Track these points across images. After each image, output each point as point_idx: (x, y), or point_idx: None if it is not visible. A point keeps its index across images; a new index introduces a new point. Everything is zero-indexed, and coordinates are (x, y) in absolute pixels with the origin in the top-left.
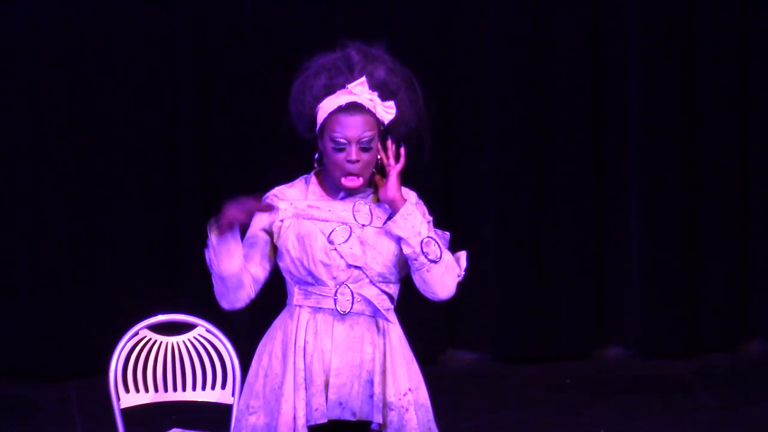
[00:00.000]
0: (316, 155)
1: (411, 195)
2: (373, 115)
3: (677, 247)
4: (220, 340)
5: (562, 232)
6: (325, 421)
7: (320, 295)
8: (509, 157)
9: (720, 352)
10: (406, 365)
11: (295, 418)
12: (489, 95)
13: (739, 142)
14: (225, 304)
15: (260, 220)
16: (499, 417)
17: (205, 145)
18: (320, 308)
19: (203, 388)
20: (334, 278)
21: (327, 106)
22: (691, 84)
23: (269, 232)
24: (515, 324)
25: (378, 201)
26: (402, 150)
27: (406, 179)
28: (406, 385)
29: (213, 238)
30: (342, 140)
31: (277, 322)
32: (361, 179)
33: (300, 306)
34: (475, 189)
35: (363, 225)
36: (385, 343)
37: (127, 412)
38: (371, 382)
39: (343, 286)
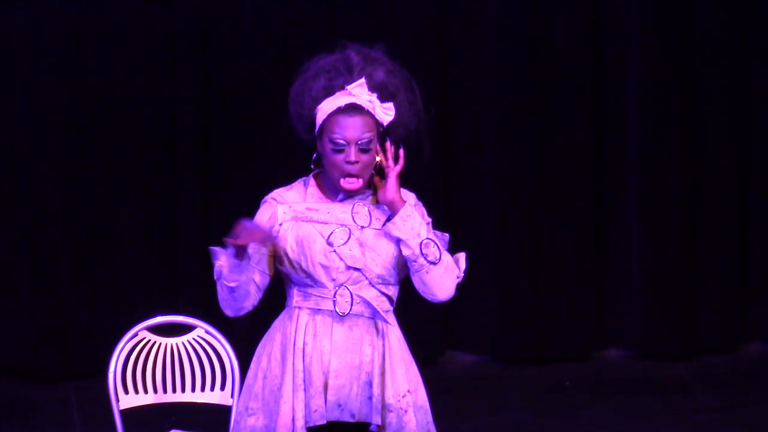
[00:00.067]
0: (314, 156)
1: (410, 196)
2: (372, 116)
3: (677, 248)
4: (220, 342)
5: (561, 233)
6: (324, 422)
7: (319, 296)
8: (509, 157)
9: (719, 353)
10: (405, 367)
11: (294, 419)
12: (489, 95)
13: (739, 142)
14: (229, 312)
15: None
16: (498, 418)
17: (205, 145)
18: (319, 310)
19: (202, 389)
20: (333, 280)
21: (326, 107)
22: (691, 84)
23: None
24: (514, 325)
25: (377, 203)
26: (401, 151)
27: (405, 181)
28: (405, 387)
29: (228, 257)
30: (341, 141)
31: (276, 324)
32: (360, 181)
33: (299, 307)
34: (475, 189)
35: (362, 227)
36: (384, 345)
37: (126, 413)
38: (370, 384)
39: (342, 287)
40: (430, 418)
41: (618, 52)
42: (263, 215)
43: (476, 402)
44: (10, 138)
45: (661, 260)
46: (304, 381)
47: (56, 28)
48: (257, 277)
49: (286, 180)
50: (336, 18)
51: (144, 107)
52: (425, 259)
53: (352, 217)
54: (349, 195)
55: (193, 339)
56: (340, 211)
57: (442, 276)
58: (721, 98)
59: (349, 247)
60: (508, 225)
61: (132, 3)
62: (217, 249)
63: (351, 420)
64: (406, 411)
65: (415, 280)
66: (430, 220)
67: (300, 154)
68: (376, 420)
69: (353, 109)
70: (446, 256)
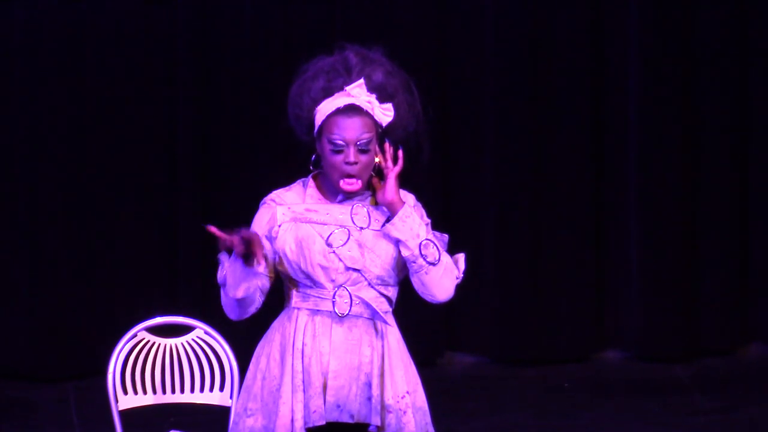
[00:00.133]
0: (313, 157)
1: (409, 197)
2: (371, 117)
3: (676, 249)
4: (219, 342)
5: (561, 233)
6: (323, 423)
7: (318, 297)
8: (509, 157)
9: (719, 355)
10: (404, 368)
11: (292, 420)
12: (489, 95)
13: (739, 142)
14: (233, 316)
15: (260, 228)
16: (497, 420)
17: (205, 145)
18: (318, 310)
19: (201, 390)
20: (333, 281)
21: (325, 108)
22: (691, 84)
23: (270, 239)
24: (514, 327)
25: (376, 204)
26: (400, 152)
27: (404, 181)
28: (404, 388)
29: (233, 265)
30: (340, 142)
31: (276, 325)
32: (359, 182)
33: (298, 308)
34: (475, 189)
35: (361, 228)
36: (383, 346)
37: (125, 414)
38: (369, 385)
39: (342, 288)
40: (429, 419)
41: (618, 52)
42: (262, 217)
43: (475, 403)
44: (10, 138)
45: (660, 261)
46: (303, 382)
47: (56, 28)
48: (260, 280)
49: (286, 180)
50: (336, 18)
51: (144, 107)
52: (424, 260)
53: (351, 218)
54: (348, 196)
55: (193, 340)
56: (339, 212)
57: (442, 277)
58: (721, 98)
59: (348, 248)
60: (508, 225)
61: (132, 3)
62: (224, 257)
63: (350, 421)
64: (405, 412)
65: (415, 281)
66: (429, 221)
67: (300, 155)
68: (375, 421)
69: (352, 109)
70: (445, 257)
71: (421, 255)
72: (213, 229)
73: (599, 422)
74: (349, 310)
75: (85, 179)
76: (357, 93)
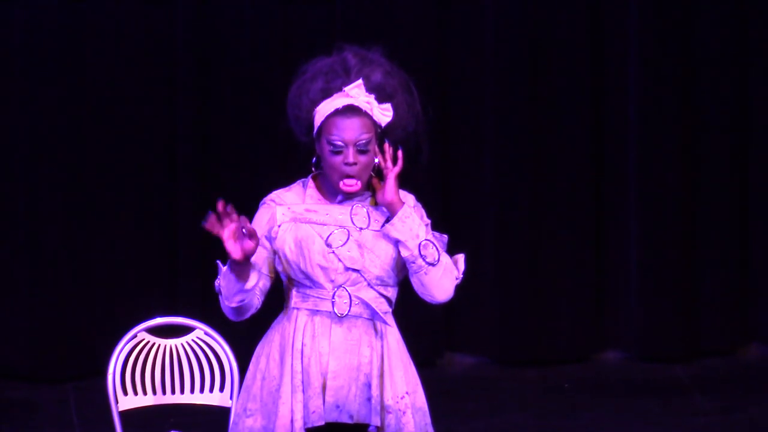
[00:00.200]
0: (314, 159)
1: (409, 198)
2: (370, 117)
3: (676, 249)
4: (219, 343)
5: (561, 233)
6: (323, 423)
7: (318, 297)
8: (509, 157)
9: (719, 356)
10: (403, 368)
11: (292, 420)
12: (489, 95)
13: (739, 142)
14: (233, 317)
15: (260, 228)
16: (497, 420)
17: (205, 145)
18: (318, 311)
19: (201, 390)
20: (332, 281)
21: (324, 109)
22: (691, 84)
23: (269, 239)
24: (514, 327)
25: (376, 204)
26: (399, 153)
27: (404, 182)
28: (404, 389)
29: (227, 276)
30: (339, 143)
31: (275, 325)
32: (358, 183)
33: (297, 308)
34: (475, 189)
35: (361, 228)
36: (382, 346)
37: (125, 415)
38: (369, 385)
39: (341, 288)
40: (428, 419)
41: (618, 52)
42: (262, 217)
43: (475, 404)
44: (10, 138)
45: (660, 261)
46: (302, 382)
47: (56, 28)
48: (260, 282)
49: (286, 180)
50: (336, 18)
51: (144, 107)
52: (424, 260)
53: (351, 219)
54: (348, 197)
55: (192, 340)
56: (339, 212)
57: (441, 277)
58: (721, 98)
59: (348, 248)
60: (508, 225)
61: (132, 3)
62: (220, 264)
63: (349, 421)
64: (404, 412)
65: (414, 281)
66: (429, 221)
67: (299, 155)
68: (375, 421)
69: (351, 110)
70: (445, 258)
71: (421, 255)
72: (221, 206)
73: (599, 423)
74: (349, 311)
75: (85, 179)
76: (356, 94)
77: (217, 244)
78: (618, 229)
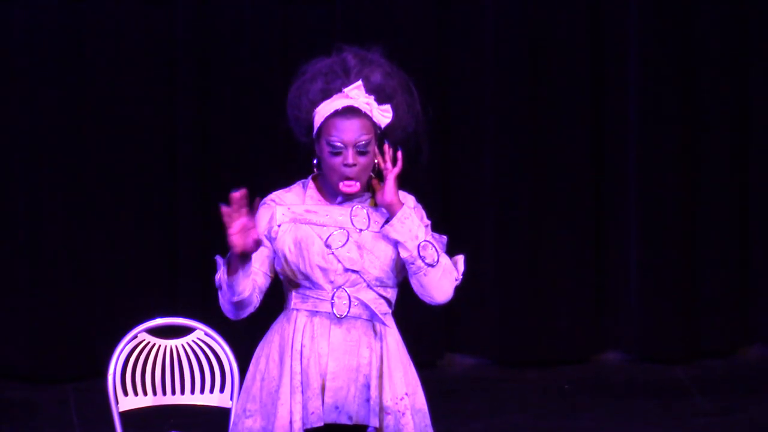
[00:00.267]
0: (315, 160)
1: (409, 199)
2: (369, 118)
3: (676, 250)
4: (219, 344)
5: (561, 233)
6: (322, 424)
7: (317, 298)
8: (509, 157)
9: (719, 357)
10: (403, 369)
11: (291, 421)
12: (489, 95)
13: (739, 142)
14: (231, 316)
15: (260, 228)
16: (497, 421)
17: (205, 145)
18: (317, 312)
19: (201, 391)
20: (331, 282)
21: (323, 110)
22: (691, 84)
23: (269, 239)
24: (514, 328)
25: (375, 205)
26: (399, 154)
27: (403, 182)
28: (403, 390)
29: (227, 273)
30: (339, 144)
31: (275, 326)
32: (358, 184)
33: (297, 309)
34: (475, 189)
35: (360, 229)
36: (382, 347)
37: (125, 415)
38: (368, 386)
39: (341, 289)
40: (428, 420)
41: (618, 52)
42: (262, 217)
43: (475, 405)
44: (10, 138)
45: (660, 262)
46: (301, 383)
47: (56, 28)
48: (259, 279)
49: (286, 181)
50: (336, 18)
51: (144, 107)
52: (423, 261)
53: (351, 220)
54: (348, 198)
55: (193, 341)
56: (339, 213)
57: (440, 278)
58: (721, 98)
59: (348, 249)
60: (508, 225)
61: (132, 3)
62: (219, 259)
63: (348, 422)
64: (403, 414)
65: (413, 282)
66: (429, 222)
67: (299, 156)
68: (374, 422)
69: (350, 111)
70: (444, 259)
71: (420, 256)
72: (237, 195)
73: (599, 423)
74: (348, 312)
75: (85, 179)
76: (355, 95)
77: (217, 244)
78: (618, 229)
